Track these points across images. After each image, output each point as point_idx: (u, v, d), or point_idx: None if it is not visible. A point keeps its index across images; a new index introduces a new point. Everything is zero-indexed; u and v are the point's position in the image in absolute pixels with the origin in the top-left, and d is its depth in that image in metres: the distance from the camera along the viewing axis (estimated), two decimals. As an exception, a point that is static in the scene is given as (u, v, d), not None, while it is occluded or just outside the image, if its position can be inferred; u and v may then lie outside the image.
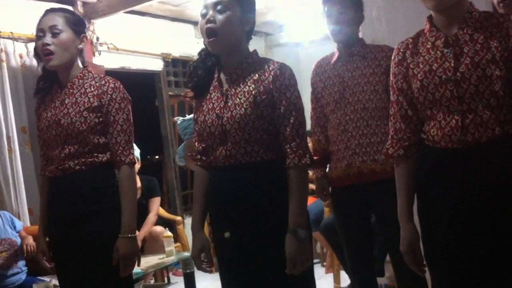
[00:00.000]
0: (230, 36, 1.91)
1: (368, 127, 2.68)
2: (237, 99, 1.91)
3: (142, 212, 4.47)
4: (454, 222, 1.65)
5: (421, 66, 1.72)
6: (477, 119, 1.62)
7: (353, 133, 2.70)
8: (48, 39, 2.23)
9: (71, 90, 2.28)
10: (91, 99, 2.25)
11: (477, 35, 1.65)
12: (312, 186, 4.81)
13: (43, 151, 2.36)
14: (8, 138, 4.19)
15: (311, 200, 4.48)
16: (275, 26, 6.68)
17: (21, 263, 3.70)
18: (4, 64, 4.23)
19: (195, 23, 6.03)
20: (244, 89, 1.92)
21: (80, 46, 2.32)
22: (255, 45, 2.03)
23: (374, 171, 2.65)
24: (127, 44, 5.32)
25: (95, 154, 2.24)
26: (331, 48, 2.88)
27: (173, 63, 6.07)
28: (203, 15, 1.92)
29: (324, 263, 4.96)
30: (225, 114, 1.91)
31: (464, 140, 1.63)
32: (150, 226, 4.56)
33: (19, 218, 4.10)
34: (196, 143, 2.08)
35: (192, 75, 2.02)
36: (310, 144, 2.43)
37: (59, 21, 2.25)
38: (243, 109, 1.88)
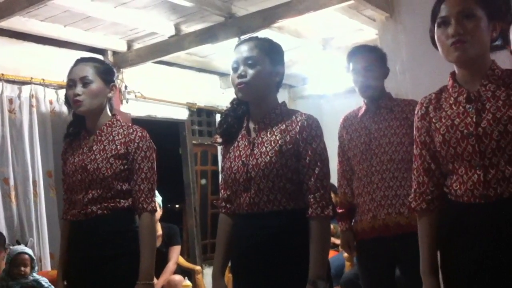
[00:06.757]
0: (259, 87, 1.97)
1: (394, 179, 2.66)
2: (263, 147, 1.94)
3: (162, 260, 4.44)
4: (476, 278, 1.62)
5: (443, 121, 1.73)
6: (499, 174, 1.61)
7: (378, 185, 2.68)
8: (79, 89, 2.28)
9: (99, 137, 2.33)
10: (118, 146, 2.29)
11: (499, 92, 1.66)
12: (334, 240, 4.76)
13: (66, 195, 2.40)
14: (34, 182, 4.25)
15: (332, 254, 4.42)
16: (298, 78, 6.75)
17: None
18: (34, 110, 4.34)
19: (221, 74, 6.14)
20: (271, 138, 1.95)
21: (110, 94, 2.38)
22: (279, 96, 2.08)
23: (399, 224, 2.62)
24: (154, 93, 5.43)
25: (118, 200, 2.27)
26: (354, 101, 2.91)
27: (198, 113, 6.16)
28: (234, 69, 1.99)
29: (344, 319, 4.84)
30: (251, 162, 1.94)
31: (486, 195, 1.62)
32: (169, 274, 4.52)
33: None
34: (221, 190, 2.12)
35: (222, 122, 2.09)
36: (336, 198, 2.40)
37: (89, 72, 2.31)
38: (268, 157, 1.91)
